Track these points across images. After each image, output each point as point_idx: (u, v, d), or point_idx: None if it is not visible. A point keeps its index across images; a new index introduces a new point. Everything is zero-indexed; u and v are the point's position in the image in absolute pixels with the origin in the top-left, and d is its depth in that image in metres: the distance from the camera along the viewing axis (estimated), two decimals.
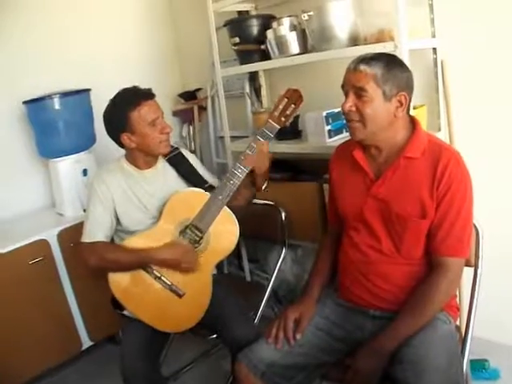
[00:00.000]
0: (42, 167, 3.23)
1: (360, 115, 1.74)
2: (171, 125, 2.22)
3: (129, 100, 2.10)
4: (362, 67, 1.71)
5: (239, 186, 2.14)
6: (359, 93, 1.72)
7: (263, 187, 2.26)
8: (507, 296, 2.44)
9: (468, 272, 1.89)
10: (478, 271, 1.90)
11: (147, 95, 2.14)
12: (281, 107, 2.12)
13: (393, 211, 1.77)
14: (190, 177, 2.31)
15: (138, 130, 2.11)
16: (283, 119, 2.13)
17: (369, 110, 1.72)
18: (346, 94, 1.78)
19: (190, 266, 2.14)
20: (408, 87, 1.76)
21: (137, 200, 2.21)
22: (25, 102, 2.95)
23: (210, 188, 2.25)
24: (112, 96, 2.16)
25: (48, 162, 3.09)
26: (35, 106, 2.93)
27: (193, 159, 2.40)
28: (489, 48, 2.26)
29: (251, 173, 2.15)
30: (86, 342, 2.93)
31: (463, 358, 1.82)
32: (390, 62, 1.73)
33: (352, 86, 1.74)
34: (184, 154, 2.37)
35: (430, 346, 1.62)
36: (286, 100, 2.12)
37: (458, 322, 1.94)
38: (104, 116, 2.17)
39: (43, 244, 2.71)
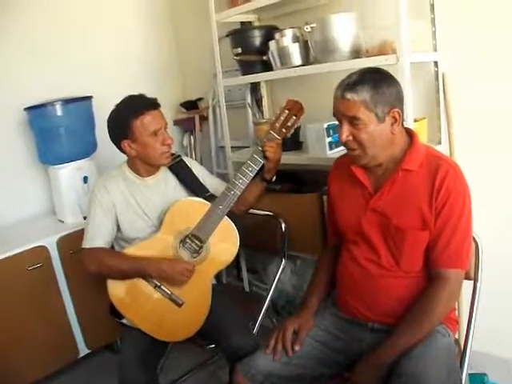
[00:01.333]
0: (43, 173, 3.24)
1: (358, 143, 1.73)
2: (172, 134, 2.22)
3: (133, 108, 2.11)
4: (349, 95, 1.69)
5: (247, 186, 2.15)
6: (352, 121, 1.71)
7: (273, 179, 2.28)
8: (506, 310, 2.43)
9: (467, 285, 1.89)
10: (478, 284, 1.90)
11: (152, 105, 2.14)
12: (282, 118, 2.13)
13: (392, 224, 1.77)
14: (192, 185, 2.32)
15: (139, 139, 2.12)
16: (284, 130, 2.14)
17: (365, 135, 1.71)
18: (340, 123, 1.77)
19: (182, 280, 2.14)
20: (398, 101, 1.74)
21: (138, 207, 2.22)
22: (26, 109, 2.95)
23: (211, 197, 2.25)
24: (114, 103, 2.17)
25: (48, 168, 3.10)
26: (37, 112, 2.94)
27: (197, 167, 2.41)
28: (490, 62, 2.26)
29: (261, 167, 2.17)
30: (83, 350, 2.92)
31: (462, 372, 1.82)
32: (376, 80, 1.70)
33: (343, 116, 1.73)
34: (186, 162, 2.37)
35: (428, 359, 1.62)
36: (287, 111, 2.13)
37: (456, 335, 1.94)
38: (108, 121, 2.18)
39: (42, 250, 2.71)
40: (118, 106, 2.17)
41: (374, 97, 1.67)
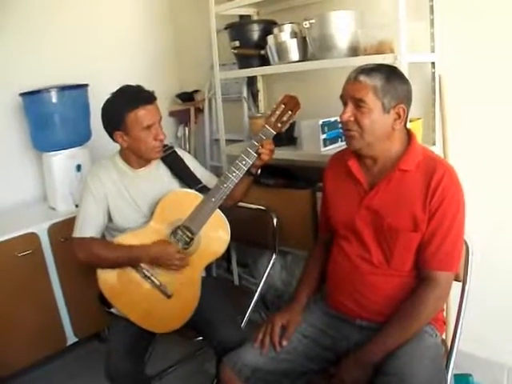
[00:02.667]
0: (36, 160, 3.22)
1: (358, 126, 1.74)
2: (167, 125, 2.21)
3: (128, 100, 2.10)
4: (362, 78, 1.71)
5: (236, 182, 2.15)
6: (358, 104, 1.72)
7: (259, 172, 2.28)
8: (492, 311, 2.44)
9: (456, 286, 1.90)
10: (466, 286, 1.91)
11: (148, 98, 2.12)
12: (278, 113, 2.13)
13: (385, 223, 1.78)
14: (184, 177, 2.31)
15: (131, 132, 2.11)
16: (279, 125, 2.13)
17: (367, 121, 1.72)
18: (345, 104, 1.78)
19: (177, 264, 2.14)
20: (407, 99, 1.76)
21: (129, 197, 2.21)
22: (22, 94, 2.94)
23: (203, 188, 2.25)
24: (110, 93, 2.15)
25: (42, 155, 3.08)
26: (32, 98, 2.93)
27: (188, 159, 2.40)
28: (487, 66, 2.27)
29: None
30: (71, 338, 2.92)
31: (448, 372, 1.83)
32: (391, 73, 1.74)
33: (351, 97, 1.74)
34: (179, 153, 2.36)
35: (415, 358, 1.63)
36: (283, 106, 2.13)
37: (444, 336, 1.95)
38: (102, 110, 2.16)
39: (33, 237, 2.70)
40: (113, 95, 2.16)
41: (384, 86, 1.70)
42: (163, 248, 2.13)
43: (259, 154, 2.12)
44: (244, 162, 2.12)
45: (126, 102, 2.10)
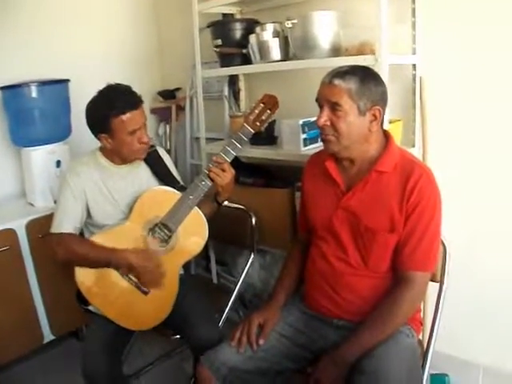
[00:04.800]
0: (15, 155, 3.18)
1: (334, 130, 1.75)
2: (148, 122, 2.20)
3: (114, 105, 2.05)
4: (337, 82, 1.72)
5: (204, 198, 2.15)
6: (334, 107, 1.73)
7: (222, 202, 2.30)
8: (468, 312, 2.46)
9: (433, 287, 1.91)
10: (443, 287, 1.92)
11: (134, 104, 2.10)
12: (256, 112, 2.14)
13: (361, 224, 1.79)
14: (164, 176, 2.32)
15: (116, 136, 2.10)
16: (258, 124, 2.14)
17: (343, 124, 1.73)
18: (321, 108, 1.78)
19: (152, 279, 2.13)
20: (382, 101, 1.77)
21: (108, 193, 2.20)
22: (1, 88, 2.91)
23: (182, 188, 2.24)
24: (92, 89, 2.12)
25: (21, 150, 3.04)
26: (12, 92, 2.89)
27: (167, 160, 2.41)
28: (468, 68, 2.29)
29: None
30: (48, 336, 2.89)
31: (424, 372, 1.84)
32: (365, 75, 1.74)
33: (327, 101, 1.75)
34: (160, 153, 2.37)
35: (391, 358, 1.63)
36: (262, 105, 2.14)
37: (420, 336, 1.96)
38: (87, 110, 2.14)
39: (10, 233, 2.66)
40: (99, 97, 2.12)
41: (359, 89, 1.70)
42: (143, 257, 2.11)
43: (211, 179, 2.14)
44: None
45: (112, 107, 2.06)
